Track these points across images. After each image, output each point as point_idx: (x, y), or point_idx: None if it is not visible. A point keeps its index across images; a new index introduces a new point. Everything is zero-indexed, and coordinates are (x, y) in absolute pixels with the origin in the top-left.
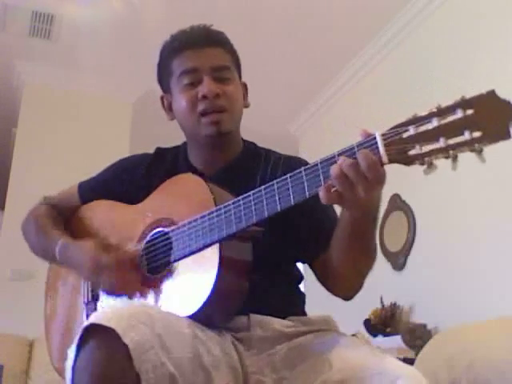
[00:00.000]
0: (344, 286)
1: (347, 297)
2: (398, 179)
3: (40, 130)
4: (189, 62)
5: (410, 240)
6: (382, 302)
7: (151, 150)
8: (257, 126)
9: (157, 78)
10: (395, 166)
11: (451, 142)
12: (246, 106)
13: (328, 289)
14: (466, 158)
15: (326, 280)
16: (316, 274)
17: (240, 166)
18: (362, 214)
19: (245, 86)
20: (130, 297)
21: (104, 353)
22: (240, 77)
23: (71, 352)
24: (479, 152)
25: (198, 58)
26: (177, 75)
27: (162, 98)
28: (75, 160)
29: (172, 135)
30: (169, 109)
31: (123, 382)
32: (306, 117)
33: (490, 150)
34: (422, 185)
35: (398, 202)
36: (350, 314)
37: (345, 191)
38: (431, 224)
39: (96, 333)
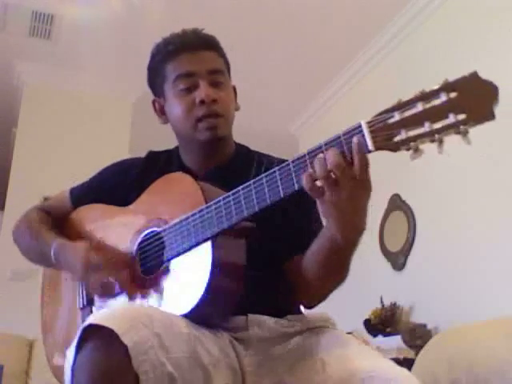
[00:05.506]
0: (308, 294)
1: (308, 305)
2: (398, 179)
3: (40, 130)
4: (184, 65)
5: (410, 240)
6: (382, 301)
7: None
8: (257, 126)
9: (148, 82)
10: (395, 165)
11: (436, 125)
12: (237, 108)
13: (294, 293)
14: (466, 158)
15: (294, 284)
16: (286, 276)
17: (232, 168)
18: (342, 232)
19: (234, 89)
20: (124, 297)
21: (103, 353)
22: (230, 80)
23: (70, 353)
24: (464, 134)
25: (194, 62)
26: (172, 79)
27: (153, 102)
28: (75, 160)
29: (172, 135)
30: (161, 112)
31: (122, 383)
32: (306, 117)
33: (490, 150)
34: (422, 185)
35: (398, 202)
36: (349, 314)
37: (328, 188)
38: (431, 224)
39: (95, 333)
